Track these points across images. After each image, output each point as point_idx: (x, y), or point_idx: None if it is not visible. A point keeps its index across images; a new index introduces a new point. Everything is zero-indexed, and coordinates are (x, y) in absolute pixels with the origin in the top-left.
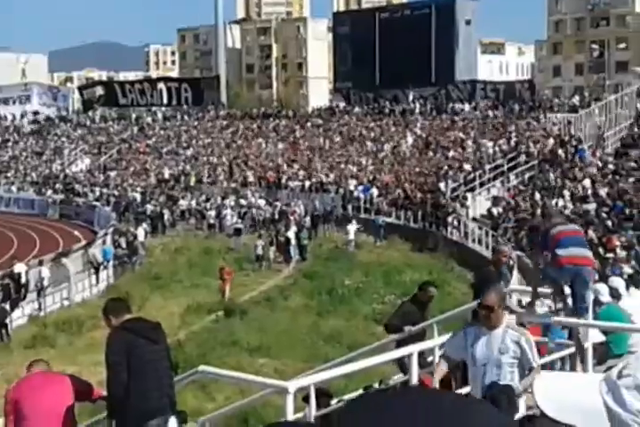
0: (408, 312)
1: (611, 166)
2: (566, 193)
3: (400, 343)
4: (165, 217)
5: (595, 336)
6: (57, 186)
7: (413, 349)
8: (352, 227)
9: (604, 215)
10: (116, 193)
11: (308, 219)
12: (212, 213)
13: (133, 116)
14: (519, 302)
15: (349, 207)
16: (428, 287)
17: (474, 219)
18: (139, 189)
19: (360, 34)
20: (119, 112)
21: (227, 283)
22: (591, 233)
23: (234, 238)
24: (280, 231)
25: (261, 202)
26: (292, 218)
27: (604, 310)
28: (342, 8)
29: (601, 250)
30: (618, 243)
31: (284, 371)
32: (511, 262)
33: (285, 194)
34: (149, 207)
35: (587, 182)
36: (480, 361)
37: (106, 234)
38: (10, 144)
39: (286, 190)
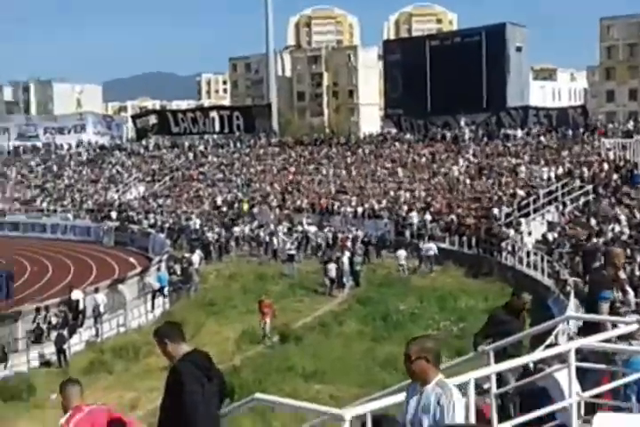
0: (503, 321)
1: None
2: (622, 218)
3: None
4: (219, 244)
5: None
6: (112, 213)
7: (470, 376)
8: (402, 253)
9: None
10: (170, 220)
11: (361, 245)
12: (267, 238)
13: (186, 144)
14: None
15: (404, 233)
16: (522, 294)
17: (528, 245)
18: (193, 216)
19: (411, 61)
20: (172, 140)
21: (266, 316)
22: None
23: (287, 264)
24: (333, 257)
25: (314, 228)
26: (345, 244)
27: None
28: (393, 36)
29: None
30: None
31: (340, 397)
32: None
33: (338, 220)
34: (208, 234)
35: None
36: (408, 420)
37: (160, 261)
38: (66, 173)
39: (339, 216)
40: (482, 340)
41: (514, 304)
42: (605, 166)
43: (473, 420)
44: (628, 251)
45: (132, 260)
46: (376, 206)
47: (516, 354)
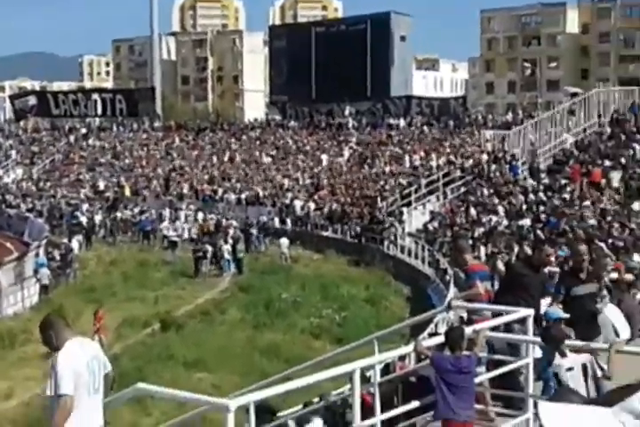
0: (521, 274)
1: (545, 181)
2: (500, 209)
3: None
4: (100, 229)
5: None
6: None
7: (356, 365)
8: (285, 241)
9: (538, 231)
10: (49, 204)
11: (243, 232)
12: (147, 225)
13: (67, 126)
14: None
15: (286, 221)
16: (544, 246)
17: (409, 234)
18: (72, 200)
19: (296, 48)
20: (52, 122)
21: (101, 331)
22: (526, 248)
23: (169, 251)
24: (216, 244)
25: (198, 215)
26: (228, 231)
27: None
28: (278, 22)
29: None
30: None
31: (221, 385)
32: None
33: (221, 207)
34: (83, 219)
35: (520, 198)
36: None
37: (39, 246)
38: None
39: (222, 203)
40: (502, 294)
41: (535, 258)
42: (485, 157)
43: (357, 410)
44: (504, 241)
45: (8, 245)
46: (260, 193)
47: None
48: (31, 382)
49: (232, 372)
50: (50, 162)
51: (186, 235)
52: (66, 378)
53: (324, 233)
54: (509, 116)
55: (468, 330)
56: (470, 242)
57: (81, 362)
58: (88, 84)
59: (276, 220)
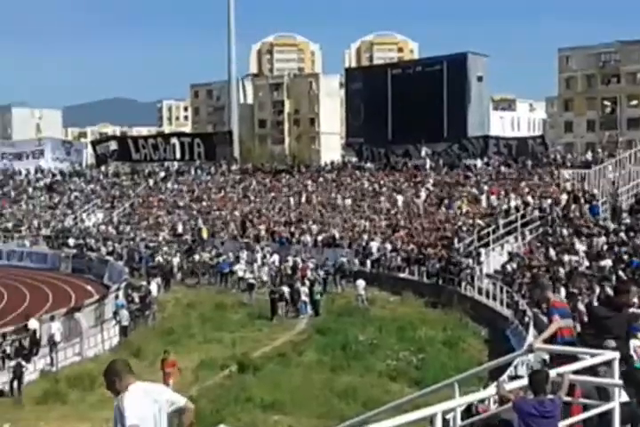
0: (603, 317)
1: (627, 221)
2: (580, 249)
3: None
4: (177, 272)
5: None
6: (69, 240)
7: (438, 408)
8: (361, 282)
9: (620, 272)
10: (128, 248)
11: (321, 273)
12: (225, 267)
13: (146, 170)
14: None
15: (365, 263)
16: (631, 287)
17: (487, 275)
18: (151, 243)
19: (372, 90)
20: (132, 167)
21: (170, 376)
22: (607, 289)
23: (246, 293)
24: (293, 286)
25: (275, 257)
26: (305, 273)
27: None
28: (354, 64)
29: None
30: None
31: None
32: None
33: (298, 249)
34: (162, 261)
35: (602, 239)
36: None
37: (119, 289)
38: (23, 199)
39: (299, 245)
40: (590, 337)
41: (616, 299)
42: (564, 197)
43: None
44: (585, 282)
45: (89, 288)
46: (337, 235)
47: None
48: (110, 423)
49: (309, 414)
50: (129, 205)
51: (263, 277)
52: (134, 417)
53: (401, 275)
54: (589, 155)
55: (552, 373)
56: (550, 283)
57: (144, 405)
58: (167, 129)
59: (356, 261)
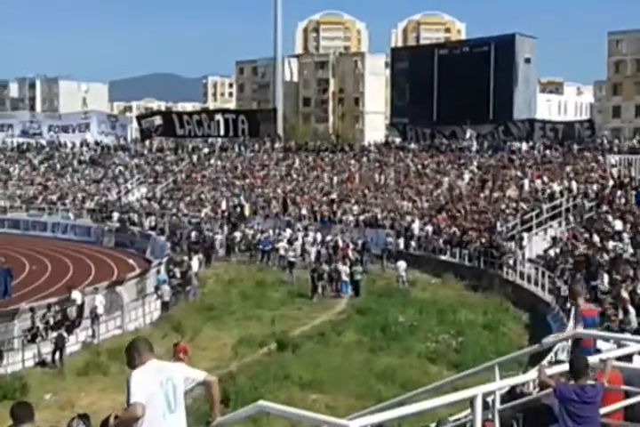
0: None
1: None
2: (625, 236)
3: None
4: (219, 248)
5: None
6: (113, 214)
7: (478, 390)
8: (402, 264)
9: None
10: (170, 223)
11: (361, 254)
12: (267, 245)
13: (190, 146)
14: None
15: (409, 244)
16: None
17: (529, 259)
18: (194, 219)
19: (418, 70)
20: (176, 142)
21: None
22: None
23: (287, 271)
24: (334, 266)
25: (316, 236)
26: (346, 253)
27: None
28: (400, 44)
29: None
30: None
31: (336, 407)
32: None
33: (339, 228)
34: (204, 237)
35: None
36: None
37: (160, 263)
38: (68, 172)
39: (341, 225)
40: None
41: None
42: (610, 183)
43: None
44: (631, 270)
45: (131, 262)
46: (379, 215)
47: None
48: None
49: (347, 394)
50: (173, 181)
51: (304, 256)
52: (139, 392)
53: (442, 257)
54: (636, 141)
55: (595, 359)
56: (593, 269)
57: (152, 383)
58: (211, 105)
59: (400, 242)
